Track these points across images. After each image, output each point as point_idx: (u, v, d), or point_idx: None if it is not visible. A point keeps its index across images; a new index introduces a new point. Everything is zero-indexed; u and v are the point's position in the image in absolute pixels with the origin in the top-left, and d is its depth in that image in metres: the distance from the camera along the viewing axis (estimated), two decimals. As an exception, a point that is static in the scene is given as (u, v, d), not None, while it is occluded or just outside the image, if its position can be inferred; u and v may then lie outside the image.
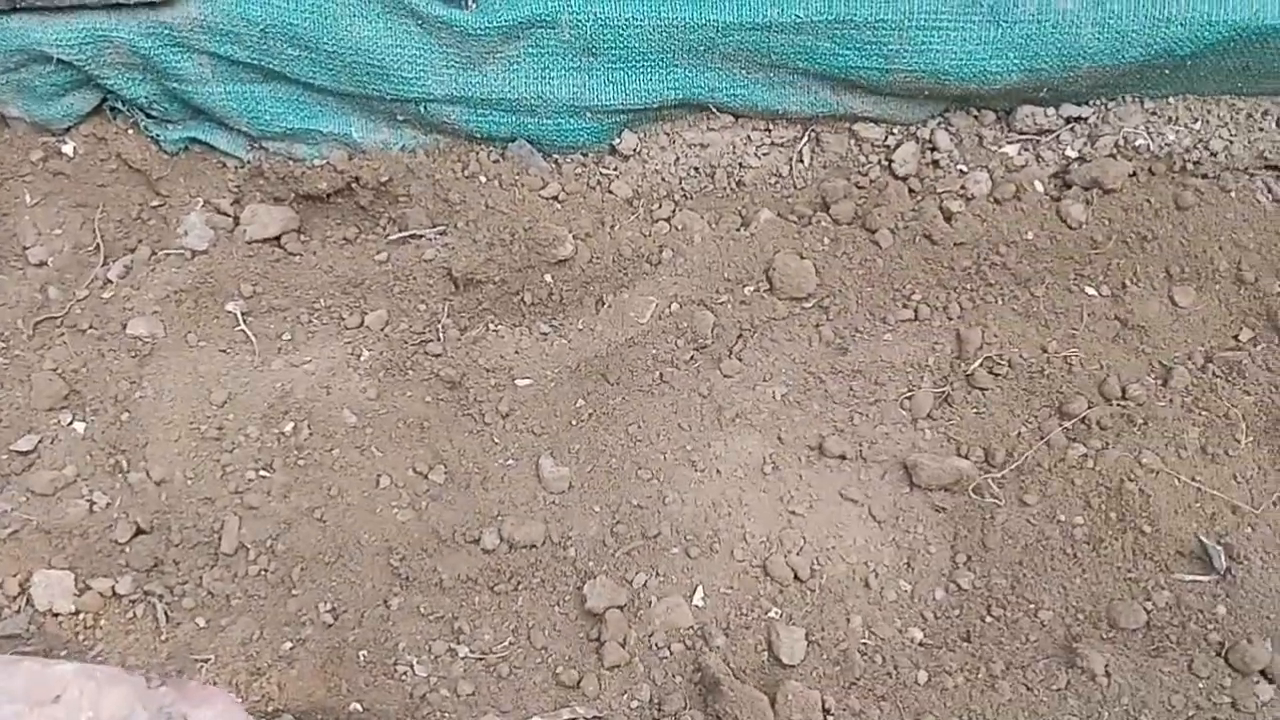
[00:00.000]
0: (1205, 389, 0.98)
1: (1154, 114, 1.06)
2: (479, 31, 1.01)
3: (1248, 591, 0.89)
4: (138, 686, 0.68)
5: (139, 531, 0.99)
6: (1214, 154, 1.05)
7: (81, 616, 0.95)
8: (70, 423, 1.04)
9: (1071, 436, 0.97)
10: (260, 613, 0.96)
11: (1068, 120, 1.07)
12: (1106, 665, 0.88)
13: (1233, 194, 1.03)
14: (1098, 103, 1.06)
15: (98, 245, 1.13)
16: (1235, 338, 1.01)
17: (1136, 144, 1.06)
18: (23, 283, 1.10)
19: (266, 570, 0.97)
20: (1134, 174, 1.05)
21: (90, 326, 1.08)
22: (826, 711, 0.89)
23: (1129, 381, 0.98)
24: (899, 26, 0.98)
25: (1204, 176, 1.05)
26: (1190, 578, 0.91)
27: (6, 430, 1.02)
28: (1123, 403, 0.98)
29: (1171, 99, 1.06)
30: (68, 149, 1.15)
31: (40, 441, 1.03)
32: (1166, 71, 1.01)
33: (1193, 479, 0.94)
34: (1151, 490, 0.93)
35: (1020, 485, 0.96)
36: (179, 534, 0.98)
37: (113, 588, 0.96)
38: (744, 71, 1.05)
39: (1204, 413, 0.97)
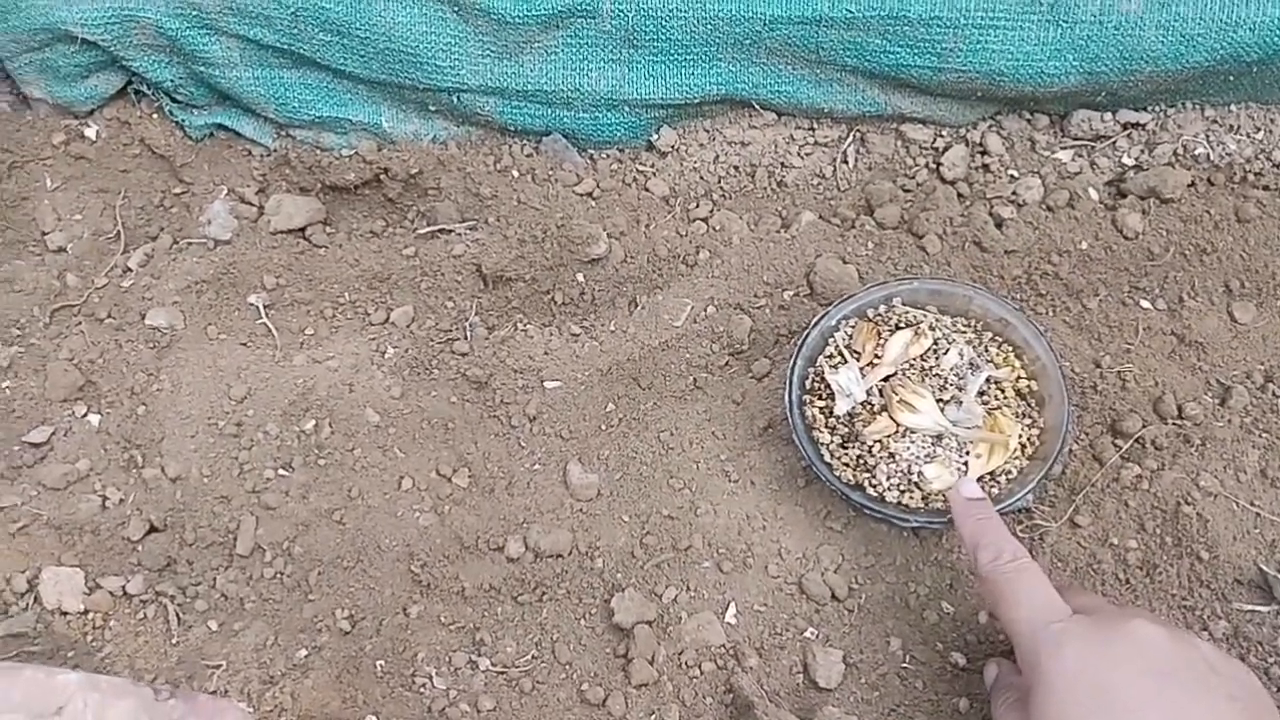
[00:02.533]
0: (1265, 409, 0.94)
1: (1215, 122, 1.02)
2: (517, 19, 0.97)
3: (1310, 624, 0.85)
4: (145, 699, 0.65)
5: (152, 529, 0.95)
6: (1277, 165, 1.01)
7: (90, 616, 0.92)
8: (85, 415, 1.01)
9: (1125, 456, 0.92)
10: (275, 617, 0.92)
11: (1125, 126, 1.02)
12: (1160, 698, 0.83)
13: (1297, 207, 0.99)
14: (1157, 109, 1.02)
15: (118, 232, 1.10)
16: (1297, 357, 0.96)
17: (1196, 153, 1.01)
18: (40, 269, 1.07)
19: (283, 573, 0.94)
20: (1193, 184, 1.01)
21: (109, 316, 1.05)
22: (865, 738, 0.85)
23: (1186, 400, 0.94)
24: (954, 24, 0.94)
25: (1266, 188, 1.00)
26: (1249, 607, 0.86)
27: (19, 421, 0.99)
28: (1179, 422, 0.93)
29: (1234, 107, 1.02)
30: (90, 132, 1.12)
31: (53, 434, 0.99)
32: (1230, 78, 0.96)
33: (1252, 503, 0.90)
34: (1209, 515, 0.88)
35: (1071, 506, 0.91)
36: (193, 533, 0.95)
37: (123, 587, 0.93)
38: (789, 68, 1.01)
39: (1264, 434, 0.93)
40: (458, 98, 1.03)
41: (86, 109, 1.11)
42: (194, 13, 1.01)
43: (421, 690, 0.89)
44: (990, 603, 0.78)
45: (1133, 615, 0.73)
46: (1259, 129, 1.02)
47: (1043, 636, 0.71)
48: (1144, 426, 0.93)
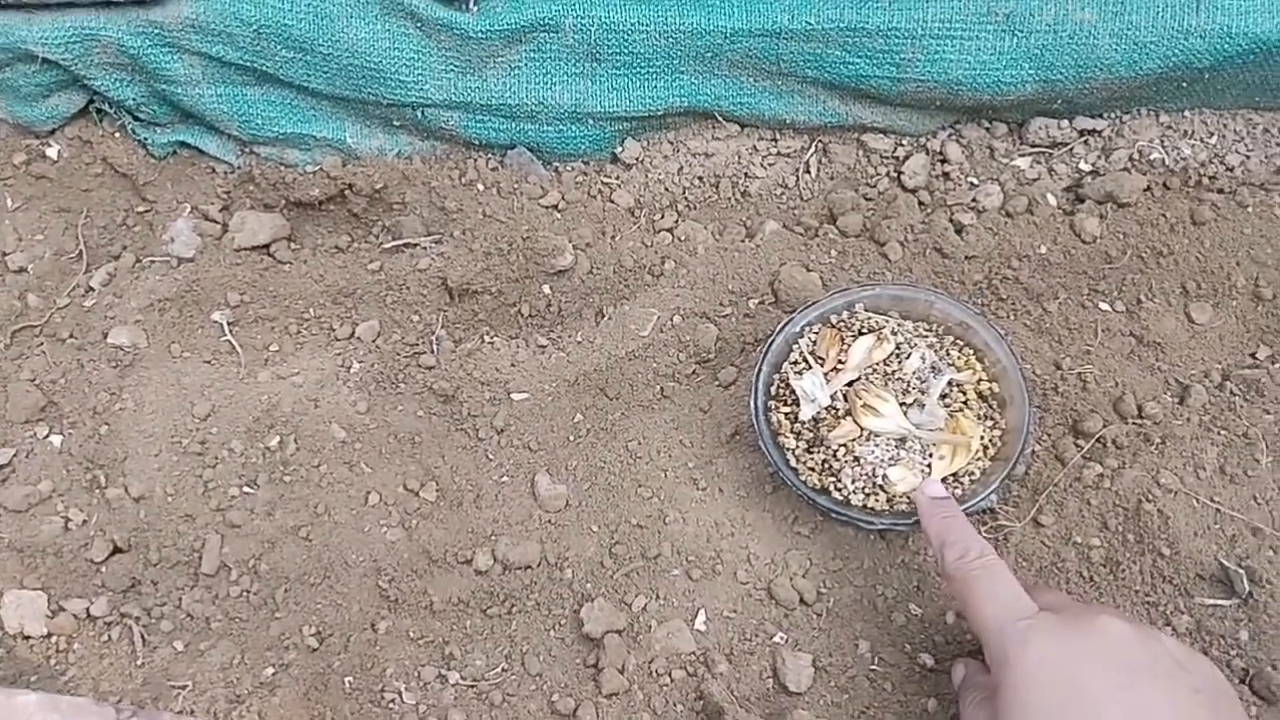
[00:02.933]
0: (1223, 408, 0.95)
1: (1169, 128, 1.04)
2: (480, 35, 0.98)
3: (1271, 616, 0.86)
4: (107, 718, 0.63)
5: (116, 550, 0.94)
6: (1230, 169, 1.03)
7: (54, 639, 0.91)
8: (47, 436, 1.00)
9: (1087, 456, 0.93)
10: (241, 636, 0.91)
11: (1081, 133, 1.04)
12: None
13: (1250, 209, 1.01)
14: (1112, 116, 1.04)
15: (80, 252, 1.09)
16: (1253, 355, 0.98)
17: (1151, 158, 1.03)
18: (1, 290, 1.06)
19: (249, 591, 0.93)
20: (1149, 188, 1.02)
21: (70, 336, 1.04)
22: (835, 742, 0.85)
23: (1145, 399, 0.95)
24: (912, 35, 0.95)
25: (1220, 191, 1.02)
26: (1211, 602, 0.87)
27: (-20, 442, 0.98)
28: (1139, 421, 0.94)
29: (1188, 112, 1.04)
30: (52, 152, 1.11)
31: (15, 455, 0.98)
32: (1184, 84, 0.98)
33: (1211, 499, 0.91)
34: (1171, 511, 0.89)
35: (1034, 505, 0.92)
36: (158, 553, 0.94)
37: (87, 609, 0.92)
38: (751, 80, 1.02)
39: (1223, 432, 0.94)
40: (422, 113, 1.04)
41: (48, 128, 1.11)
42: (155, 31, 1.01)
43: (391, 706, 0.89)
44: (958, 601, 0.78)
45: (1099, 612, 0.73)
46: (1212, 134, 1.04)
47: (1010, 633, 0.71)
48: (1105, 426, 0.94)
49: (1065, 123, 1.04)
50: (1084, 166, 1.04)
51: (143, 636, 0.91)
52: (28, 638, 0.91)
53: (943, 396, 0.92)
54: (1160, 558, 0.88)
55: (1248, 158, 1.03)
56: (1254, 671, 0.84)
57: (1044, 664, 0.69)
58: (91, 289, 1.07)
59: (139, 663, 0.90)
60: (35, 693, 0.64)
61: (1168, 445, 0.93)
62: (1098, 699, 0.67)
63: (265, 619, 0.92)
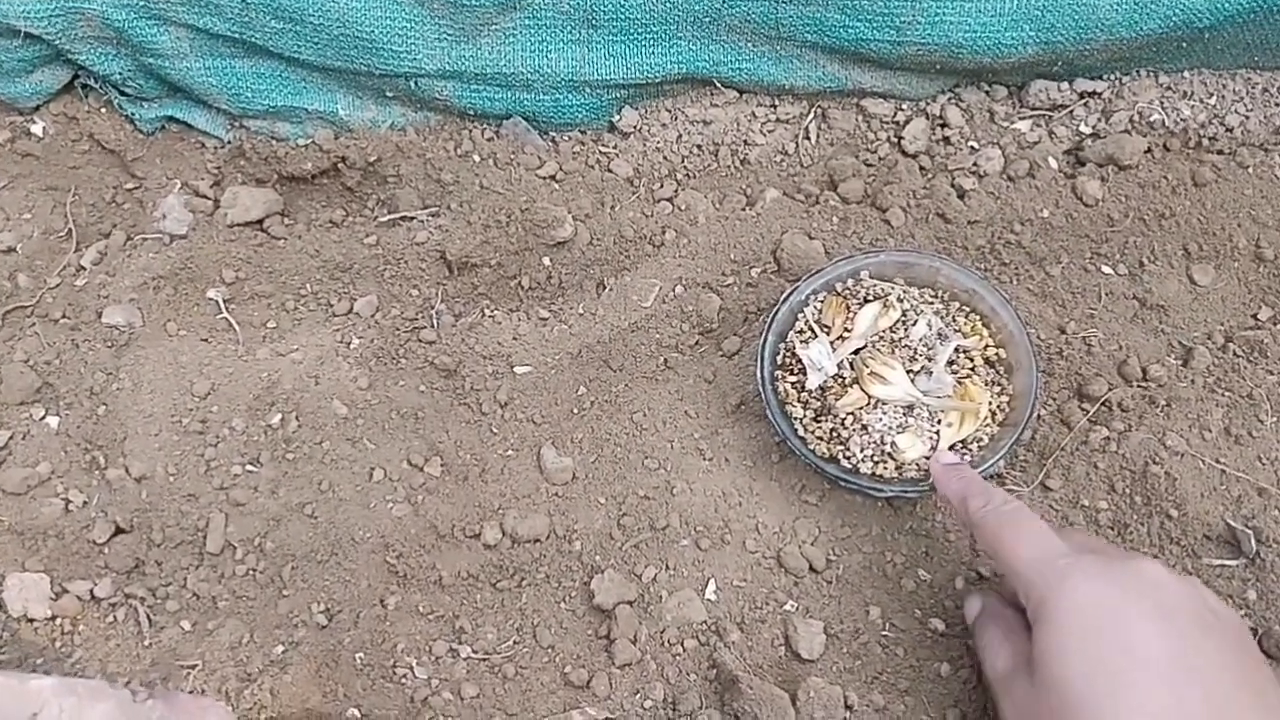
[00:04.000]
0: (1227, 369, 0.95)
1: (1169, 89, 1.03)
2: (473, 1, 0.96)
3: (1278, 575, 0.87)
4: (123, 701, 0.63)
5: (118, 531, 0.93)
6: (1230, 129, 1.02)
7: (59, 622, 0.90)
8: (43, 417, 0.98)
9: (1093, 419, 0.93)
10: (249, 615, 0.91)
11: (1081, 95, 1.03)
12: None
13: (1250, 170, 1.01)
14: (1112, 77, 1.03)
15: (70, 230, 1.07)
16: (1255, 316, 0.98)
17: (1151, 119, 1.03)
18: (-10, 270, 1.04)
19: (255, 570, 0.92)
20: (1150, 150, 1.02)
21: (63, 316, 1.03)
22: (849, 707, 0.85)
23: (1149, 362, 0.95)
24: (912, -4, 0.95)
25: (1220, 152, 1.02)
26: (1218, 562, 0.88)
27: (-25, 426, 0.97)
28: (1144, 384, 0.95)
29: (1187, 73, 1.03)
30: (37, 129, 1.09)
31: (11, 438, 0.97)
32: (1184, 44, 0.98)
33: (1217, 461, 0.91)
34: (1177, 473, 0.90)
35: (1042, 470, 0.92)
36: (161, 533, 0.93)
37: (91, 591, 0.91)
38: (749, 45, 1.01)
39: (1226, 393, 0.94)
40: (415, 83, 1.02)
41: (32, 105, 1.08)
42: (141, 3, 0.99)
43: (403, 681, 0.88)
44: (989, 546, 0.77)
45: (1138, 556, 0.73)
46: (1211, 94, 1.03)
47: (1049, 572, 0.71)
48: (1110, 390, 0.94)
49: (1065, 85, 1.03)
50: (1084, 129, 1.03)
51: (148, 617, 0.91)
52: (32, 620, 0.90)
53: (950, 363, 0.91)
54: (1168, 519, 0.89)
55: (1247, 118, 1.03)
56: (1262, 631, 0.85)
57: (1089, 602, 0.68)
58: (83, 268, 1.05)
59: (146, 643, 0.89)
60: (50, 677, 0.63)
61: (1173, 407, 0.93)
62: (1144, 639, 0.66)
63: (273, 597, 0.91)
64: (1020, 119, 1.04)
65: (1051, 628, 0.69)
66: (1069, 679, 0.66)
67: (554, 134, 1.07)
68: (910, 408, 0.90)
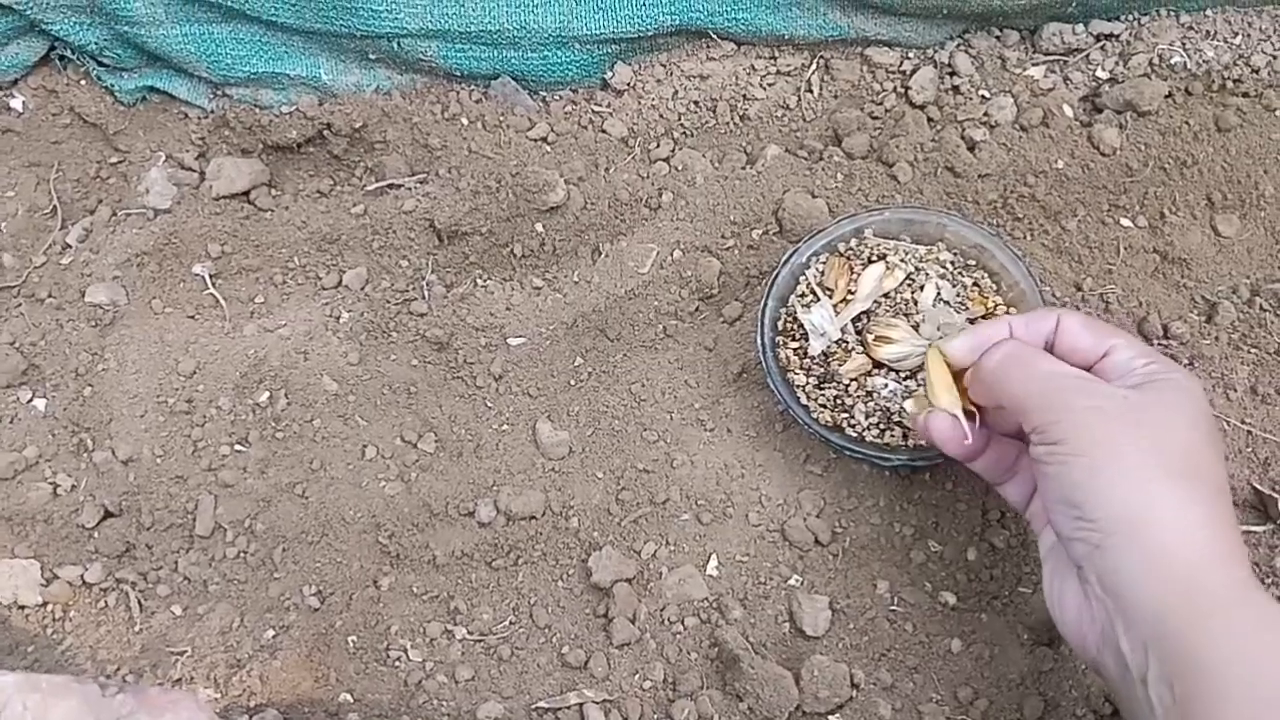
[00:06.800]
0: (1253, 324, 0.91)
1: (1191, 29, 0.98)
2: (453, -43, 0.92)
3: (1307, 541, 0.83)
4: (90, 696, 0.61)
5: (107, 515, 0.91)
6: (1256, 70, 0.97)
7: (50, 608, 0.89)
8: (29, 400, 0.96)
9: (1112, 380, 0.89)
10: (240, 598, 0.89)
11: (1098, 38, 0.98)
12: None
13: (1278, 113, 0.95)
14: (1130, 18, 0.98)
15: (54, 207, 1.04)
16: (1283, 268, 0.93)
17: (1172, 62, 0.97)
18: (-27, 251, 1.02)
19: (246, 552, 0.90)
20: (1170, 94, 0.97)
21: (49, 295, 1.00)
22: (855, 685, 0.82)
23: (1171, 319, 0.91)
24: (915, -64, 0.89)
25: (1246, 95, 0.96)
26: (1245, 527, 0.84)
27: (-40, 410, 0.95)
28: (1165, 342, 0.90)
29: (1209, 11, 0.97)
30: (16, 104, 1.06)
31: (-2, 421, 0.95)
32: (1206, -20, 0.92)
33: (1243, 422, 0.87)
34: (1200, 436, 0.85)
35: (1057, 435, 0.88)
36: (150, 516, 0.91)
37: (82, 576, 0.90)
38: (745, -7, 0.96)
39: (1253, 350, 0.90)
40: (398, 44, 0.98)
41: (10, 79, 1.05)
42: (112, -32, 0.95)
43: (396, 664, 0.86)
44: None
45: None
46: (1236, 34, 0.98)
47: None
48: (1129, 349, 0.89)
49: (1080, 27, 0.98)
50: (1101, 74, 0.98)
51: (139, 602, 0.89)
52: (22, 607, 0.89)
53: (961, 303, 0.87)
54: (1190, 484, 0.85)
55: (1275, 58, 0.97)
56: (1290, 598, 0.81)
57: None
58: (69, 246, 1.03)
59: (136, 629, 0.88)
60: (13, 674, 0.61)
61: (1196, 366, 0.89)
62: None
63: (264, 579, 0.89)
64: (1033, 65, 0.99)
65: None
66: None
67: (544, 94, 1.03)
68: (916, 372, 0.86)
